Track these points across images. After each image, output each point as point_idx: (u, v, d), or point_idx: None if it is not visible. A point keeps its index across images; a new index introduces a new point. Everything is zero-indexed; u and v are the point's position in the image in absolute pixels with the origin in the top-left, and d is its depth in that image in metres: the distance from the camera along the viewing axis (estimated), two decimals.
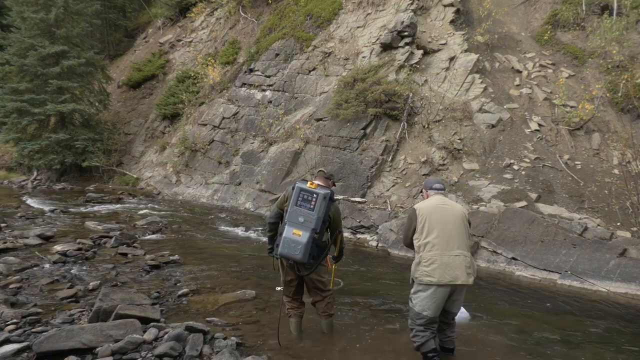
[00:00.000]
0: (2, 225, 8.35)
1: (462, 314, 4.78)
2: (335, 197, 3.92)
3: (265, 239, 8.61)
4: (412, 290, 3.56)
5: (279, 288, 4.20)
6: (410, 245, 3.70)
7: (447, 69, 11.30)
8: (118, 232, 8.14)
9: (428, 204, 3.63)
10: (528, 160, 9.05)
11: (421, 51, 11.62)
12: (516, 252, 7.01)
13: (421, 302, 3.47)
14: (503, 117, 9.97)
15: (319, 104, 12.52)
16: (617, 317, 5.12)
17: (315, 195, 3.60)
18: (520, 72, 11.15)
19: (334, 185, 4.34)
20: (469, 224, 3.67)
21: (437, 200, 3.66)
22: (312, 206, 3.59)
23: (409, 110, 10.56)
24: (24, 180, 17.56)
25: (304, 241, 3.53)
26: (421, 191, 3.87)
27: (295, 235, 3.57)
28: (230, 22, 19.26)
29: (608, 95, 10.07)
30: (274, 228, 3.89)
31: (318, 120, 12.02)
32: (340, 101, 11.12)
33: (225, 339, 3.82)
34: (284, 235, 3.61)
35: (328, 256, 4.01)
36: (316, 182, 3.88)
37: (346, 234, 9.00)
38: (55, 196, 14.02)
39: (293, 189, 3.71)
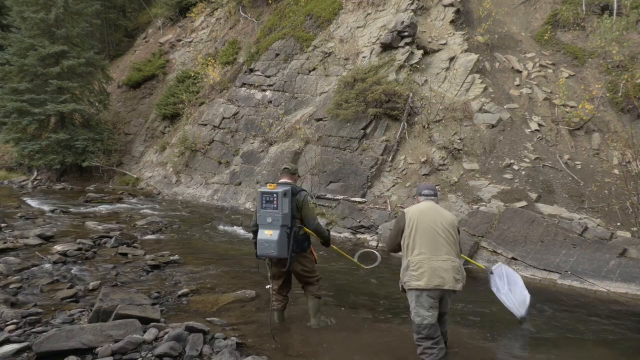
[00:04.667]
0: (2, 225, 8.35)
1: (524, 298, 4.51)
2: (300, 189, 4.10)
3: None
4: (409, 303, 3.53)
5: (268, 286, 4.34)
6: (394, 250, 3.72)
7: (447, 69, 11.29)
8: (118, 232, 8.14)
9: (418, 209, 3.63)
10: (528, 160, 9.06)
11: (421, 51, 11.61)
12: (516, 252, 7.01)
13: (417, 311, 3.42)
14: (503, 117, 9.97)
15: (319, 104, 12.52)
16: (617, 317, 5.12)
17: (275, 195, 3.86)
18: (520, 72, 11.15)
19: (299, 177, 4.60)
20: (458, 232, 3.65)
21: (427, 205, 3.65)
22: (275, 205, 3.85)
23: (409, 110, 10.56)
24: (24, 180, 17.55)
25: (275, 239, 3.81)
26: (414, 196, 3.92)
27: (267, 235, 3.86)
28: (230, 22, 19.26)
29: (608, 95, 10.07)
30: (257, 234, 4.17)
31: (318, 120, 12.02)
32: (340, 101, 11.11)
33: (225, 339, 3.82)
34: (258, 237, 3.92)
35: (312, 247, 4.27)
36: (281, 180, 4.18)
37: (346, 234, 9.00)
38: (55, 196, 14.02)
39: None
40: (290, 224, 3.89)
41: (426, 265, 3.37)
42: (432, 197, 3.74)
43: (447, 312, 3.66)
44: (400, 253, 3.69)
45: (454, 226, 3.56)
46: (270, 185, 3.94)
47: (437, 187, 8.97)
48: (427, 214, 3.56)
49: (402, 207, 9.09)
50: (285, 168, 4.33)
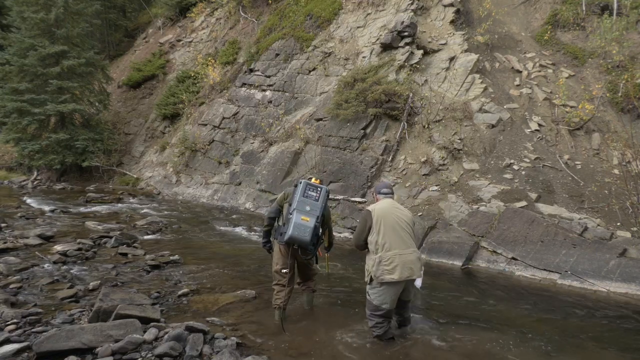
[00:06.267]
0: (3, 225, 8.35)
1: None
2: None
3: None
4: (370, 287, 3.91)
5: (285, 270, 4.45)
6: (361, 246, 4.04)
7: (447, 69, 11.29)
8: (118, 232, 8.14)
9: (382, 207, 4.00)
10: (528, 160, 9.06)
11: (421, 51, 11.61)
12: (516, 252, 7.01)
13: (379, 297, 3.84)
14: (503, 117, 9.97)
15: (319, 104, 12.52)
16: (617, 317, 5.12)
17: (319, 189, 4.30)
18: (520, 72, 11.15)
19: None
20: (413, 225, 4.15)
21: (389, 203, 4.06)
22: (317, 197, 4.25)
23: (409, 110, 10.56)
24: (24, 180, 17.55)
25: (311, 225, 4.10)
26: (373, 194, 4.35)
27: (304, 220, 4.13)
28: (230, 22, 19.26)
29: (608, 95, 10.07)
30: (272, 223, 4.53)
31: (318, 120, 12.02)
32: (340, 101, 11.12)
33: (225, 339, 3.82)
34: (294, 220, 4.11)
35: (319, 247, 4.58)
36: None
37: (346, 234, 9.00)
38: (55, 196, 14.02)
39: (295, 186, 4.32)
40: (320, 218, 4.23)
41: (397, 260, 3.76)
42: (390, 195, 4.17)
43: (409, 301, 4.15)
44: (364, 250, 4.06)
45: (412, 221, 4.07)
46: (316, 180, 4.43)
47: (436, 186, 9.05)
48: (391, 212, 3.96)
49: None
50: (309, 177, 4.66)
